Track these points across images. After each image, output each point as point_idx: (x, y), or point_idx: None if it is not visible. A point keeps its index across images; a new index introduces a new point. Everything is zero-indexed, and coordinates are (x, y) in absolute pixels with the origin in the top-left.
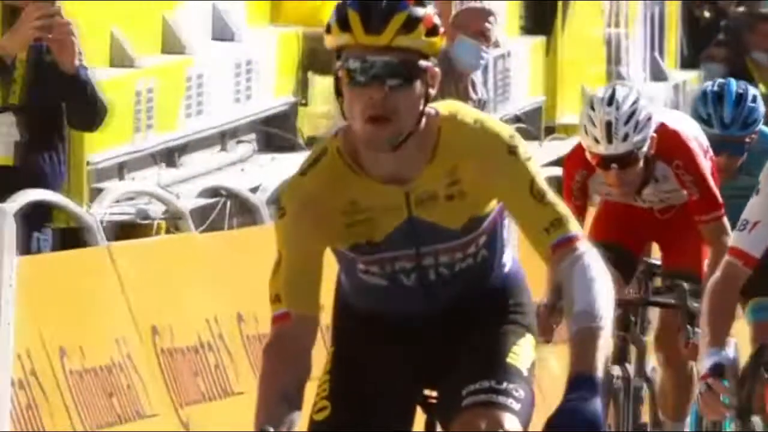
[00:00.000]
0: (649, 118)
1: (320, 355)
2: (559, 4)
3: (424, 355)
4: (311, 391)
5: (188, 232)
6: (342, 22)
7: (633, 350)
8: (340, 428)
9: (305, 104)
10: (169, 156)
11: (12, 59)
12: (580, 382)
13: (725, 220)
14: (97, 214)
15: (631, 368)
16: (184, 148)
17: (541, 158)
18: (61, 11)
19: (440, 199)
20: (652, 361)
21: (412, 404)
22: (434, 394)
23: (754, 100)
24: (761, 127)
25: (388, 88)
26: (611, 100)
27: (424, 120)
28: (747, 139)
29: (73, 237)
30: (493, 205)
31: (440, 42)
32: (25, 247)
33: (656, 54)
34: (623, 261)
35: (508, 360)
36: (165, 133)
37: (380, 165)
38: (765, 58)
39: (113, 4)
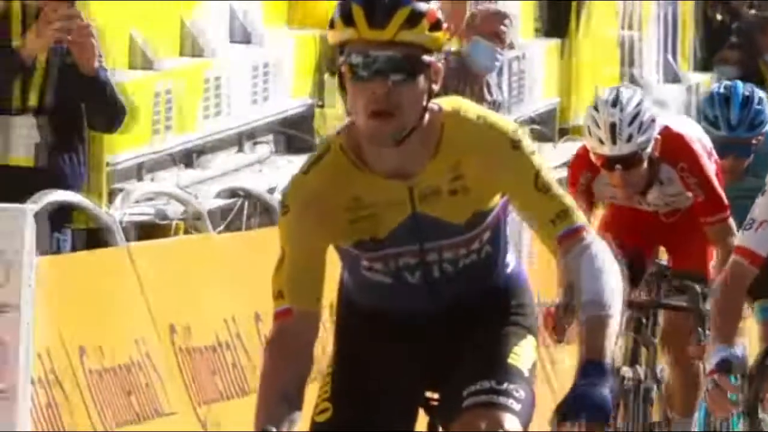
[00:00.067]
0: (653, 120)
1: (321, 356)
2: (574, 6)
3: (428, 353)
4: (313, 393)
5: (206, 232)
6: (346, 16)
7: (644, 352)
8: (342, 428)
9: (322, 106)
10: (188, 157)
11: (32, 61)
12: (590, 368)
13: (731, 221)
14: (116, 214)
15: (641, 370)
16: (203, 150)
17: (555, 160)
18: (80, 13)
19: (443, 194)
20: (662, 362)
21: (416, 403)
22: (436, 396)
23: (761, 102)
24: None
25: (392, 83)
26: (615, 102)
27: (427, 115)
28: (753, 141)
29: (93, 237)
30: (497, 200)
31: (443, 37)
32: (46, 246)
33: (669, 56)
34: (631, 264)
35: (509, 360)
36: (183, 134)
37: (384, 160)
38: None
39: (132, 6)
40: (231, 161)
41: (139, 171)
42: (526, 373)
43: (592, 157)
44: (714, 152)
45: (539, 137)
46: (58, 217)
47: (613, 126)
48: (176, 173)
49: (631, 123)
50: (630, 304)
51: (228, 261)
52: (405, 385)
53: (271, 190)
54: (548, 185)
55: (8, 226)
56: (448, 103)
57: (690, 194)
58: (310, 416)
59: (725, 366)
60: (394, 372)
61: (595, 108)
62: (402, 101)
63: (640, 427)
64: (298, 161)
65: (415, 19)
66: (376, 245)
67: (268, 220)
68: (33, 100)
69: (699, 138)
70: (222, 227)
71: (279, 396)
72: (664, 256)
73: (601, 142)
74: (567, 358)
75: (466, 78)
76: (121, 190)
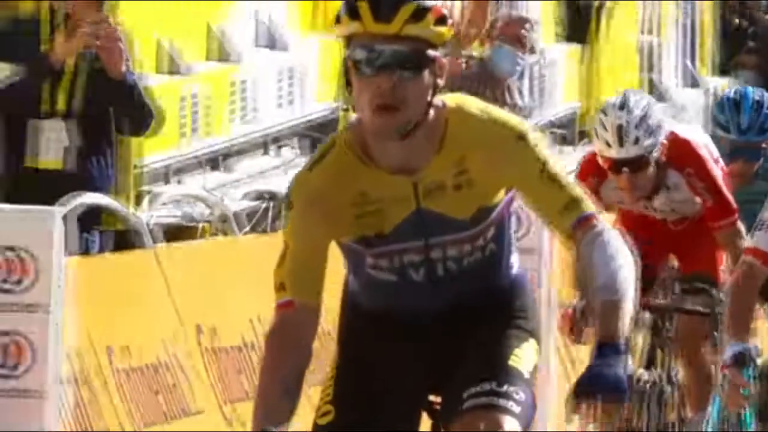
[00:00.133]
0: (660, 124)
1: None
2: (595, 11)
3: (431, 353)
4: (315, 395)
5: (232, 234)
6: (352, 11)
7: (659, 354)
8: (344, 430)
9: (347, 109)
10: (214, 160)
11: (60, 65)
12: (605, 349)
13: (740, 225)
14: (144, 216)
15: (657, 372)
16: (229, 153)
17: (574, 163)
18: (108, 18)
19: (448, 188)
20: (676, 364)
21: (419, 405)
22: (439, 400)
23: None
24: None
25: (397, 78)
26: (623, 105)
27: (432, 111)
28: (763, 145)
29: (122, 239)
30: (501, 195)
31: (448, 33)
32: (75, 248)
33: (688, 61)
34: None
35: (510, 362)
36: (210, 138)
37: (389, 155)
38: None
39: (160, 11)
40: (257, 164)
41: (166, 174)
42: (527, 375)
43: (600, 161)
44: (721, 159)
45: (560, 141)
46: (87, 219)
47: (620, 128)
48: (203, 176)
49: (638, 126)
50: (647, 307)
51: (253, 262)
52: (409, 385)
53: None
54: (556, 176)
55: (38, 227)
56: (452, 99)
57: (698, 200)
58: (313, 421)
59: (739, 359)
60: (398, 372)
61: (603, 111)
62: (407, 95)
63: (654, 428)
64: None
65: (420, 13)
66: (381, 241)
67: None
68: (62, 104)
69: (705, 144)
70: (248, 229)
71: (279, 390)
72: (674, 263)
73: (609, 144)
74: (587, 358)
75: (487, 82)
76: (148, 192)
